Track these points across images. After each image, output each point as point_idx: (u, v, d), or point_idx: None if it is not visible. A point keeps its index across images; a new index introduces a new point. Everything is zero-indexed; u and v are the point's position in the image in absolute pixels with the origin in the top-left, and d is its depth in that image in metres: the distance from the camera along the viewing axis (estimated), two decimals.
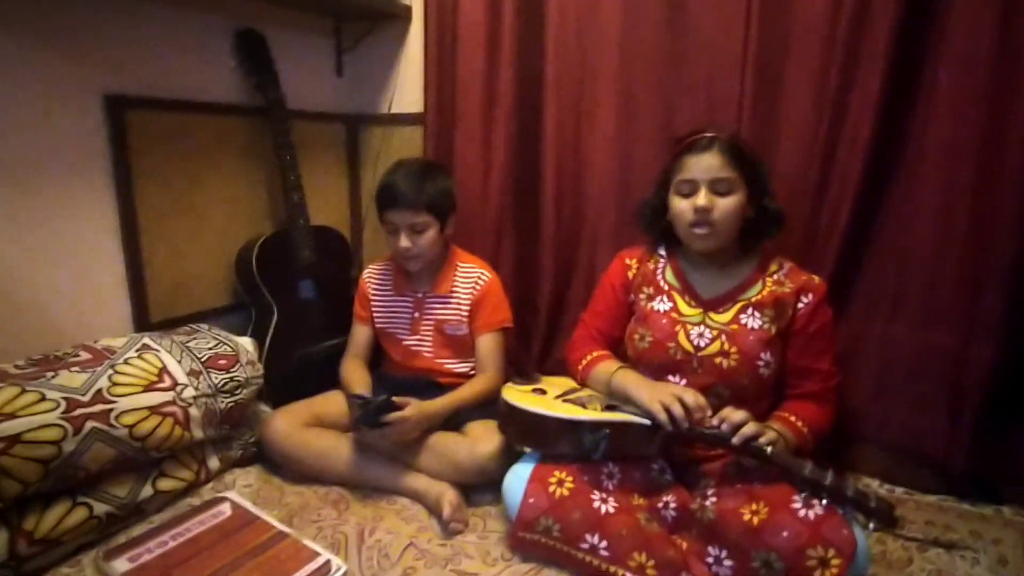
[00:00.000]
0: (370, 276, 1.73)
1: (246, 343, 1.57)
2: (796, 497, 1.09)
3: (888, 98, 1.36)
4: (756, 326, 1.30)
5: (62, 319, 1.44)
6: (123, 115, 1.48)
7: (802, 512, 1.06)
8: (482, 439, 1.43)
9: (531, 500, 1.20)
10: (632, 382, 1.30)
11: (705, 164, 1.27)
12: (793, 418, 1.27)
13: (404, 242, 1.54)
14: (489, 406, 1.52)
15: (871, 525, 1.04)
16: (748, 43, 1.48)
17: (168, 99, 1.59)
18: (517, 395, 1.34)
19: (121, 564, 1.13)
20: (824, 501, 1.06)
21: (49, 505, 1.13)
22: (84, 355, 1.30)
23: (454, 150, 1.92)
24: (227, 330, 1.60)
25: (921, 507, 1.38)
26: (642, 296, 1.42)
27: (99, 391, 1.21)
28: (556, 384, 1.45)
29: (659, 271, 1.42)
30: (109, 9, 1.46)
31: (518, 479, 1.24)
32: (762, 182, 1.32)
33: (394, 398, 1.40)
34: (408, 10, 2.02)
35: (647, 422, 1.22)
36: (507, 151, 1.82)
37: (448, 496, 1.34)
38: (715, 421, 1.19)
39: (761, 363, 1.29)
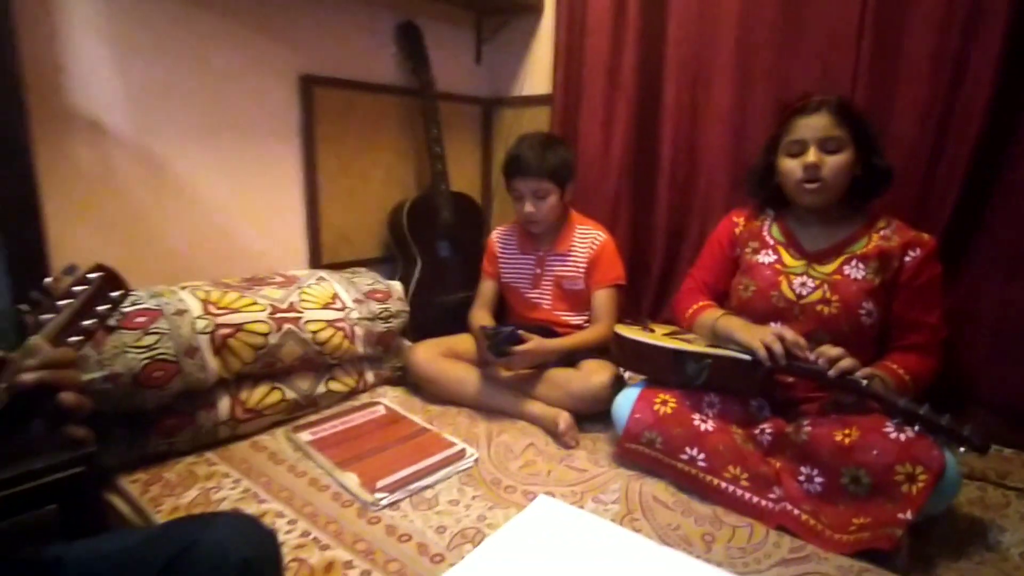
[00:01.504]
0: (498, 236, 1.96)
1: (396, 285, 1.86)
2: (889, 423, 1.17)
3: (1009, 55, 1.38)
4: (859, 276, 1.36)
5: (259, 252, 1.80)
6: (312, 91, 1.83)
7: (893, 435, 1.14)
8: (595, 372, 1.61)
9: (637, 416, 1.37)
10: (735, 325, 1.41)
11: (814, 124, 1.35)
12: (895, 366, 1.32)
13: (528, 207, 1.75)
14: (602, 352, 1.70)
15: (963, 449, 1.10)
16: (866, 11, 1.55)
17: (344, 79, 1.93)
18: (628, 330, 1.51)
19: (305, 436, 1.44)
20: (916, 428, 1.14)
21: (256, 385, 1.46)
22: (279, 278, 1.64)
23: (578, 126, 2.12)
24: None
25: None
26: (747, 250, 1.53)
27: (292, 303, 1.54)
28: (662, 328, 1.60)
29: (765, 227, 1.53)
30: (305, 4, 1.80)
31: (626, 399, 1.42)
32: (871, 141, 1.37)
33: (519, 331, 1.62)
34: (541, 2, 2.25)
35: (747, 357, 1.34)
36: (627, 126, 2.00)
37: (563, 416, 1.53)
38: (812, 356, 1.28)
39: (863, 312, 1.35)
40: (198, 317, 1.36)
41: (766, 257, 1.48)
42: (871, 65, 1.57)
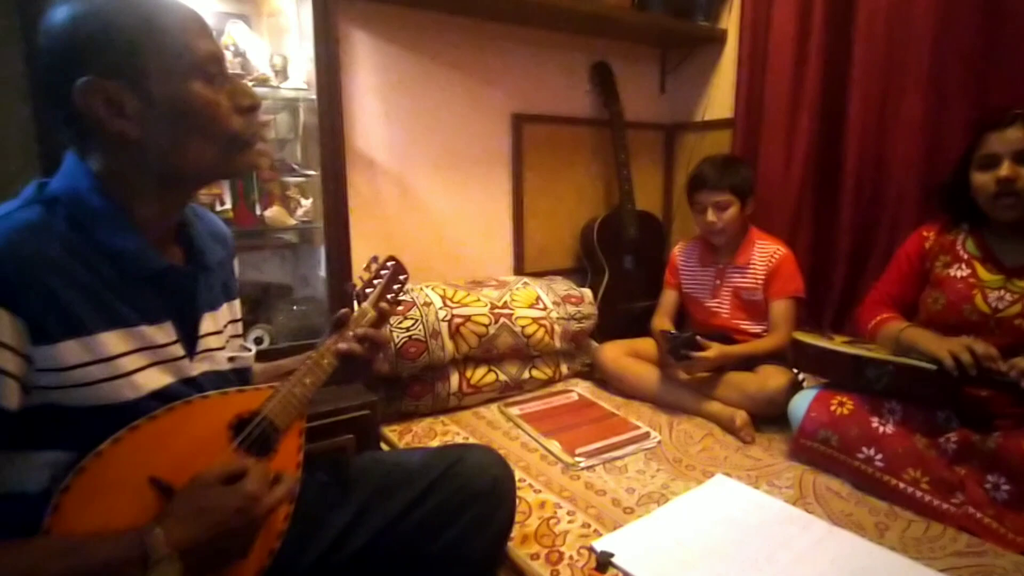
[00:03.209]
0: (680, 250, 2.14)
1: (587, 291, 2.13)
2: None
3: None
4: None
5: (476, 259, 2.19)
6: (521, 127, 2.19)
7: None
8: (772, 376, 1.73)
9: (813, 414, 1.47)
10: (921, 335, 1.43)
11: (1008, 137, 1.35)
12: None
13: (711, 217, 1.91)
14: (779, 359, 1.80)
15: None
16: None
17: (546, 115, 2.27)
18: (807, 336, 1.61)
19: (515, 410, 1.75)
20: None
21: (478, 366, 1.82)
22: (493, 282, 2.00)
23: (759, 147, 2.23)
24: None
25: None
26: (938, 264, 1.55)
27: (505, 301, 1.88)
28: (842, 338, 1.67)
29: (959, 241, 1.52)
30: (515, 56, 2.17)
31: (803, 399, 1.52)
32: None
33: (698, 337, 1.79)
34: (724, 33, 2.40)
35: (932, 367, 1.36)
36: (808, 145, 2.08)
37: (740, 414, 1.67)
38: (1004, 367, 1.29)
39: None
40: (439, 308, 1.74)
41: (958, 271, 1.49)
42: None
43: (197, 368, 0.85)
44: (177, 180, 0.82)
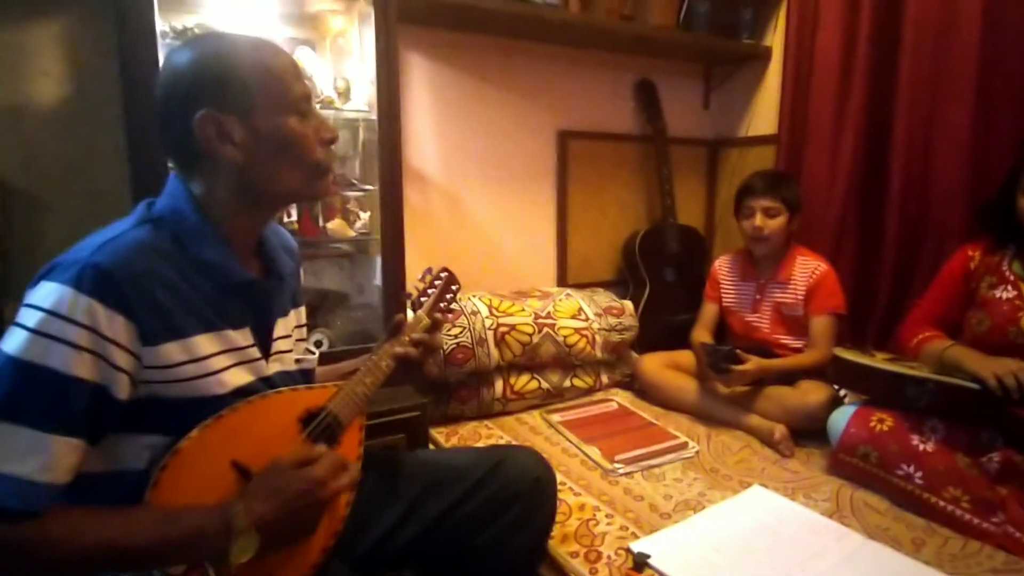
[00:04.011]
0: (721, 264, 2.17)
1: (628, 304, 2.18)
2: None
3: None
4: None
5: (521, 271, 2.27)
6: (567, 144, 2.27)
7: None
8: (812, 391, 1.74)
9: (852, 430, 1.49)
10: (965, 355, 1.43)
11: None
12: None
13: (758, 221, 1.93)
14: (819, 375, 1.81)
15: None
16: None
17: (591, 132, 2.34)
18: (848, 353, 1.62)
19: (556, 417, 1.81)
20: None
21: (521, 374, 1.89)
22: (538, 292, 2.08)
23: (803, 163, 2.24)
24: None
25: None
26: (983, 284, 1.54)
27: (548, 312, 1.95)
28: (883, 355, 1.67)
29: (1005, 262, 1.52)
30: (562, 75, 2.25)
31: (842, 415, 1.54)
32: None
33: (737, 351, 1.82)
34: (769, 51, 2.43)
35: (975, 386, 1.37)
36: (852, 160, 2.08)
37: (779, 427, 1.69)
38: None
39: None
40: (486, 317, 1.83)
41: (1004, 293, 1.49)
42: None
43: (272, 368, 0.95)
44: (266, 201, 0.93)
